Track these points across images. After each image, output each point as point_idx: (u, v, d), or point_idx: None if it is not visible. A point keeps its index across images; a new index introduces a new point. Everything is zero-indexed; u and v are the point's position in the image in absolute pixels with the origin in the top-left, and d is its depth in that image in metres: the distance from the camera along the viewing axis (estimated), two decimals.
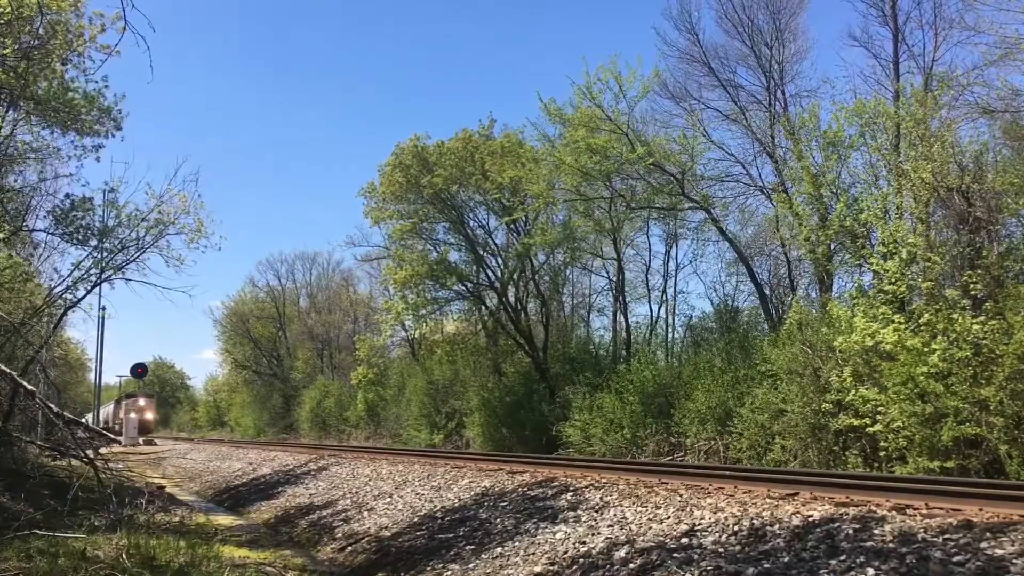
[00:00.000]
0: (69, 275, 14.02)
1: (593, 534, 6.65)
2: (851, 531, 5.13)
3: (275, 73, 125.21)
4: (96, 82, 13.16)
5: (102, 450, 14.36)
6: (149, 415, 64.31)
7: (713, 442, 15.79)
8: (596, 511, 7.34)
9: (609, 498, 7.69)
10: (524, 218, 25.30)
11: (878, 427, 11.50)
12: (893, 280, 12.66)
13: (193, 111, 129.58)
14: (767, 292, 21.05)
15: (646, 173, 20.71)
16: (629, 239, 25.74)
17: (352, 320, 47.46)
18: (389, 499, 10.84)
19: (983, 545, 4.44)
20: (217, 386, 66.50)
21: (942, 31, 17.09)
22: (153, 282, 13.73)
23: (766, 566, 4.93)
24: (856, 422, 11.93)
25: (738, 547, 5.41)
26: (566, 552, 6.38)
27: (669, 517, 6.56)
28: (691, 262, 28.25)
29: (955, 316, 11.16)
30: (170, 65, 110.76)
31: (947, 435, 10.45)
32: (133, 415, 59.25)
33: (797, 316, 14.94)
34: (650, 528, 6.39)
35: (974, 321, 10.85)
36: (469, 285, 27.14)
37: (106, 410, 63.68)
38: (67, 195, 13.84)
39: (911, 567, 4.36)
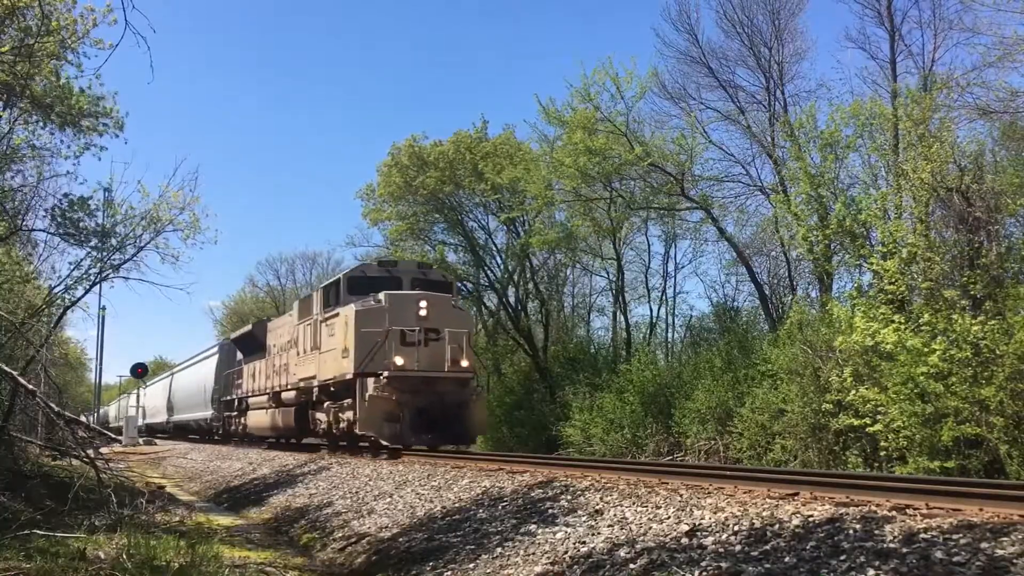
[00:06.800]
0: (68, 275, 13.99)
1: (593, 534, 6.65)
2: (852, 531, 5.13)
3: (275, 74, 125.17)
4: (91, 79, 13.15)
5: (103, 449, 14.36)
6: (465, 361, 15.83)
7: (713, 442, 15.81)
8: (596, 511, 7.33)
9: (609, 498, 7.69)
10: (523, 218, 25.35)
11: (878, 427, 11.52)
12: (893, 280, 12.67)
13: (192, 111, 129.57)
14: (767, 292, 21.07)
15: (645, 173, 20.77)
16: (629, 239, 25.81)
17: None
18: (389, 499, 10.84)
19: (984, 546, 4.44)
20: None
21: (941, 31, 17.16)
22: (152, 280, 13.71)
23: (767, 566, 4.93)
24: (856, 422, 11.94)
25: (739, 547, 5.40)
26: (567, 552, 6.37)
27: (669, 517, 6.55)
28: (691, 262, 28.38)
29: (955, 316, 11.17)
30: (170, 65, 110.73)
31: (947, 435, 10.46)
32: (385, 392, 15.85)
33: (797, 316, 14.96)
34: (650, 528, 6.38)
35: (974, 321, 10.86)
36: (469, 285, 27.17)
37: (204, 367, 32.66)
38: (65, 194, 13.81)
39: (912, 567, 4.36)
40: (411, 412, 15.17)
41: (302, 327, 19.38)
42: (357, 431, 15.69)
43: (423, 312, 15.68)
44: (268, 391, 22.17)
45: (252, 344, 25.22)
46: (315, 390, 18.13)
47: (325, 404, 17.59)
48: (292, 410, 20.04)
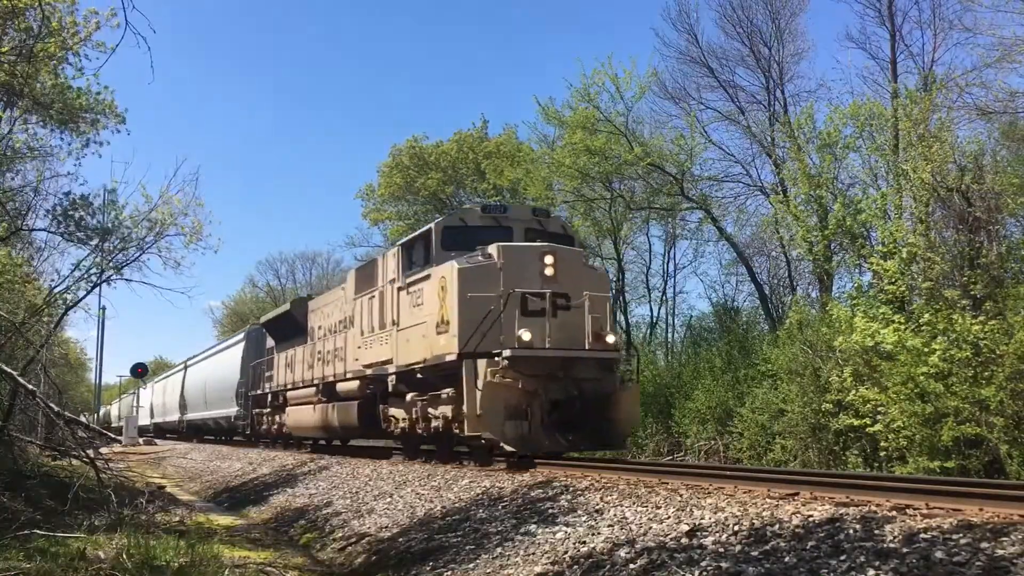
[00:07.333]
0: (69, 275, 14.01)
1: (593, 534, 6.65)
2: (852, 531, 5.13)
3: (275, 75, 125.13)
4: (88, 78, 13.23)
5: (103, 449, 14.37)
6: (611, 337, 12.03)
7: (713, 442, 15.82)
8: (596, 511, 7.34)
9: (609, 498, 7.69)
10: None
11: (878, 427, 11.53)
12: (893, 280, 12.69)
13: (192, 112, 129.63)
14: (767, 292, 21.10)
15: (645, 173, 20.81)
16: (629, 240, 25.83)
17: None
18: (389, 499, 10.84)
19: (984, 546, 4.44)
20: None
21: (941, 32, 17.23)
22: (153, 282, 13.70)
23: (767, 566, 4.93)
24: (856, 422, 11.95)
25: (739, 547, 5.40)
26: (567, 552, 6.37)
27: (669, 517, 6.55)
28: (691, 262, 28.37)
29: (955, 316, 11.18)
30: (169, 65, 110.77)
31: (947, 435, 10.47)
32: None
33: (797, 316, 14.98)
34: (650, 528, 6.38)
35: (974, 321, 10.87)
36: None
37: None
38: (67, 193, 13.85)
39: (912, 567, 4.36)
40: (542, 405, 11.18)
41: (363, 300, 15.40)
42: (464, 431, 11.53)
43: (549, 271, 11.61)
44: (316, 382, 18.05)
45: (288, 328, 21.13)
46: (391, 379, 13.86)
47: (407, 396, 13.39)
48: (354, 405, 15.53)
